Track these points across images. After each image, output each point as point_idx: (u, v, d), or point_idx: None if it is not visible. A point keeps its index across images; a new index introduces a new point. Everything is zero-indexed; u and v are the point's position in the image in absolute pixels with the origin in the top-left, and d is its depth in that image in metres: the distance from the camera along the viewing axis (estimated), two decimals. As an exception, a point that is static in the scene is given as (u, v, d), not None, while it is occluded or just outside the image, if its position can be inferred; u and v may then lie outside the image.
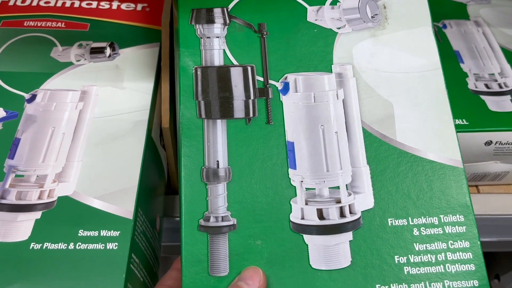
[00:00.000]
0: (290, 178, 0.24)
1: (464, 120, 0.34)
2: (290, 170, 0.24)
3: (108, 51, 0.33)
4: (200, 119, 0.25)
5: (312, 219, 0.23)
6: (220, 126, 0.25)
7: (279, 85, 0.26)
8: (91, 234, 0.24)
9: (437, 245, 0.23)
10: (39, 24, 0.35)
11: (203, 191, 0.24)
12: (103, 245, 0.24)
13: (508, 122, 0.34)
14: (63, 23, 0.35)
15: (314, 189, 0.24)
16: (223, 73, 0.26)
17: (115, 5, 0.37)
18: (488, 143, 0.34)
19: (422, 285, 0.22)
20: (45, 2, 0.36)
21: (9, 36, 0.34)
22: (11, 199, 0.25)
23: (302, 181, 0.24)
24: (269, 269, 0.22)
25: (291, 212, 0.24)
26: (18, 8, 0.36)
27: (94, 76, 0.32)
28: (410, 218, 0.24)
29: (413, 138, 0.25)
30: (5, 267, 0.23)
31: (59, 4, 0.36)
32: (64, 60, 0.32)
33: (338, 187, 0.24)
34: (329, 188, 0.24)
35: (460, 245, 0.23)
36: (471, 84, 0.36)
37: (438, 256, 0.23)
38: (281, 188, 0.24)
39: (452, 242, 0.23)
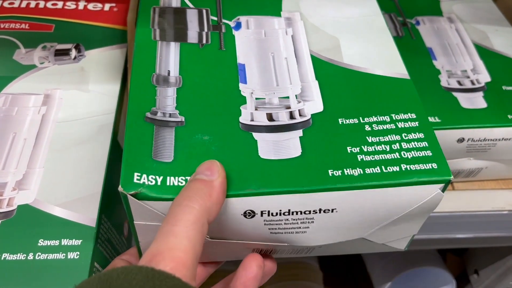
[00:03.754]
0: (240, 91, 0.25)
1: (436, 117, 0.33)
2: (241, 85, 0.25)
3: (73, 53, 0.32)
4: (154, 41, 0.27)
5: (262, 121, 0.24)
6: (174, 46, 0.27)
7: (232, 23, 0.28)
8: (52, 244, 0.24)
9: (391, 137, 0.23)
10: (2, 26, 0.34)
11: (152, 92, 0.24)
12: (64, 254, 0.23)
13: (480, 119, 0.34)
14: (27, 25, 0.34)
15: (264, 99, 0.25)
16: (180, 12, 0.28)
17: (81, 5, 0.36)
18: (461, 140, 0.34)
19: (377, 169, 0.21)
20: (9, 3, 0.35)
21: (-29, 38, 0.33)
22: (-31, 208, 0.24)
23: (252, 93, 0.25)
24: (215, 159, 0.22)
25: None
26: (-20, 9, 0.35)
27: (58, 79, 0.31)
28: (361, 118, 0.24)
29: (359, 60, 0.27)
30: (-40, 279, 0.22)
31: (23, 4, 0.35)
32: (27, 63, 0.31)
33: (287, 98, 0.25)
34: (279, 98, 0.25)
35: (415, 136, 0.23)
36: (444, 81, 0.36)
37: (393, 145, 0.23)
38: (232, 97, 0.25)
39: (405, 134, 0.23)
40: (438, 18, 0.41)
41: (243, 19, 0.29)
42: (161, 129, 0.23)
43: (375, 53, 0.27)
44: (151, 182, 0.20)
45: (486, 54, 0.38)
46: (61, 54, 0.32)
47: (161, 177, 0.21)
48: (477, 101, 0.35)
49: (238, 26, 0.28)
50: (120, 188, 0.20)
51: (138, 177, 0.21)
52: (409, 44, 0.38)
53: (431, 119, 0.33)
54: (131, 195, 0.20)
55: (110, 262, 0.26)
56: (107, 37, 0.34)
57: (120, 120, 0.30)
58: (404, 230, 0.25)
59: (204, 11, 0.29)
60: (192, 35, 0.27)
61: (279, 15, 0.29)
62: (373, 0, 0.31)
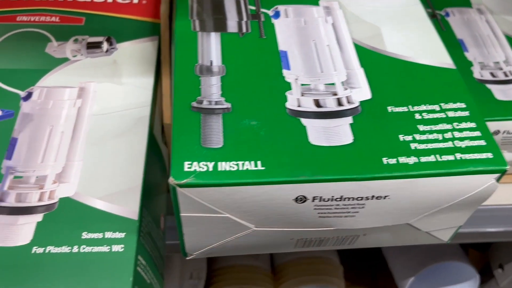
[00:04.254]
0: (284, 77, 0.25)
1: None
2: (284, 71, 0.25)
3: (105, 45, 0.32)
4: (194, 32, 0.26)
5: (309, 107, 0.23)
6: (214, 36, 0.26)
7: (271, 12, 0.28)
8: (96, 236, 0.23)
9: (442, 126, 0.23)
10: (32, 19, 0.33)
11: (196, 82, 0.24)
12: (109, 247, 0.23)
13: (516, 110, 0.33)
14: (58, 18, 0.34)
15: (309, 85, 0.25)
16: (217, 3, 0.28)
17: (110, -2, 0.36)
18: (496, 132, 0.33)
19: (432, 158, 0.21)
20: (38, -4, 0.35)
21: (1, 32, 0.32)
22: (11, 201, 0.24)
23: (296, 79, 0.24)
24: (265, 144, 0.21)
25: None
26: (9, 2, 0.34)
27: (92, 72, 0.30)
28: (410, 106, 0.24)
29: (403, 49, 0.27)
30: (6, 273, 0.22)
31: (52, -3, 0.35)
32: (60, 56, 0.31)
33: (333, 84, 0.25)
34: (325, 84, 0.25)
35: (466, 125, 0.23)
36: (476, 73, 0.35)
37: (445, 134, 0.22)
38: (277, 82, 0.24)
39: (457, 123, 0.23)
40: (467, 10, 0.40)
41: (281, 8, 0.28)
42: (208, 116, 0.22)
43: (418, 42, 0.27)
44: (203, 168, 0.20)
45: (518, 45, 0.37)
46: (93, 47, 0.32)
47: (212, 163, 0.21)
48: (511, 93, 0.35)
49: (276, 15, 0.28)
50: (171, 180, 0.20)
51: (189, 165, 0.20)
52: (440, 36, 0.37)
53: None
54: (183, 184, 0.20)
55: (151, 256, 0.26)
56: (138, 29, 0.33)
57: (155, 114, 0.30)
58: (452, 220, 0.24)
59: (241, 1, 0.28)
60: (232, 25, 0.27)
61: (317, 4, 0.29)
62: None
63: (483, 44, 0.38)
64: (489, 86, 0.35)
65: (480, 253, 0.58)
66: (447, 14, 0.40)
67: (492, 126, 0.33)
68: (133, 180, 0.26)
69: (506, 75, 0.36)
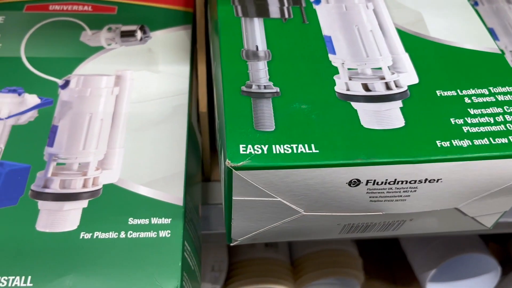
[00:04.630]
0: (331, 61, 0.25)
1: None
2: (330, 55, 0.25)
3: (139, 34, 0.32)
4: (237, 18, 0.26)
5: (359, 91, 0.23)
6: (257, 22, 0.26)
7: None
8: (142, 222, 0.23)
9: (493, 110, 0.23)
10: (65, 8, 0.33)
11: (244, 66, 0.24)
12: (155, 233, 0.23)
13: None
14: (90, 7, 0.33)
15: (356, 69, 0.24)
16: None
17: (140, -13, 0.35)
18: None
19: (486, 141, 0.21)
20: (68, -15, 0.35)
21: (35, 20, 0.32)
22: (55, 187, 0.24)
23: (343, 63, 0.24)
24: (317, 127, 0.21)
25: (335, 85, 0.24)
26: (41, -9, 0.34)
27: (127, 60, 0.30)
28: (459, 90, 0.23)
29: (446, 34, 0.27)
30: (57, 257, 0.22)
31: (82, -13, 0.35)
32: (95, 45, 0.31)
33: (380, 69, 0.24)
34: (371, 69, 0.25)
35: None
36: (510, 61, 0.35)
37: (496, 118, 0.22)
38: (323, 67, 0.24)
39: (507, 107, 0.23)
40: (496, -1, 0.40)
41: None
42: (259, 100, 0.22)
43: (461, 28, 0.27)
44: (258, 151, 0.20)
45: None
46: (127, 35, 0.32)
47: (267, 146, 0.20)
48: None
49: (317, 0, 0.28)
50: (227, 163, 0.20)
51: (244, 148, 0.20)
52: None
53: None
54: (240, 166, 0.20)
55: (194, 242, 0.26)
56: (170, 18, 0.33)
57: (192, 102, 0.30)
58: (499, 205, 0.24)
59: None
60: (274, 10, 0.27)
61: None
62: None
63: (514, 33, 0.37)
64: (522, 74, 0.35)
65: (500, 246, 0.57)
66: (476, 3, 0.40)
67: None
68: (176, 167, 0.26)
69: (538, 63, 0.35)
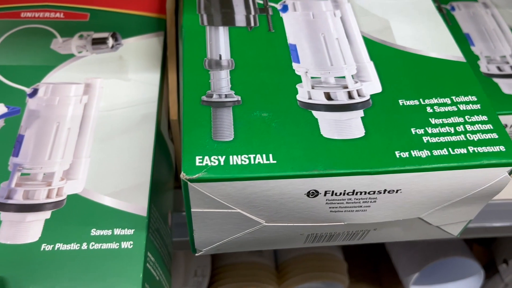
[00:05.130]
0: (294, 70, 0.25)
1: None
2: (294, 64, 0.25)
3: (110, 41, 0.32)
4: (202, 26, 0.26)
5: (320, 100, 0.23)
6: (222, 30, 0.26)
7: (279, 6, 0.28)
8: (104, 233, 0.23)
9: (454, 119, 0.23)
10: (36, 15, 0.33)
11: (206, 76, 0.24)
12: (118, 244, 0.23)
13: (522, 105, 0.33)
14: (62, 14, 0.33)
15: (319, 78, 0.24)
16: None
17: (114, -7, 0.35)
18: (504, 126, 0.33)
19: (445, 151, 0.21)
20: (41, -8, 0.35)
21: (6, 28, 0.32)
22: (18, 198, 0.24)
23: (306, 72, 0.24)
24: (277, 136, 0.21)
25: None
26: (13, -2, 0.34)
27: (98, 68, 0.30)
28: (421, 99, 0.23)
29: (412, 42, 0.27)
30: (17, 270, 0.22)
31: (56, -7, 0.35)
32: (65, 52, 0.31)
33: (343, 77, 0.24)
34: (335, 77, 0.25)
35: (478, 118, 0.23)
36: (483, 67, 0.35)
37: (457, 127, 0.22)
38: (287, 75, 0.24)
39: (468, 116, 0.23)
40: (473, 4, 0.40)
41: (289, 1, 0.28)
42: (219, 109, 0.22)
43: (428, 35, 0.27)
44: (214, 162, 0.20)
45: (525, 39, 0.37)
46: (98, 42, 0.32)
47: (224, 157, 0.20)
48: (518, 87, 0.34)
49: (284, 8, 0.28)
50: (182, 175, 0.20)
51: (200, 160, 0.20)
52: None
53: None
54: (195, 179, 0.20)
55: (160, 252, 0.26)
56: (143, 25, 0.33)
57: (162, 110, 0.30)
58: (463, 214, 0.24)
59: None
60: (240, 19, 0.27)
61: None
62: None
63: (489, 38, 0.37)
64: (496, 80, 0.35)
65: (484, 248, 0.57)
66: (453, 8, 0.40)
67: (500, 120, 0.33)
68: (141, 177, 0.25)
69: (513, 69, 0.35)
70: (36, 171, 0.25)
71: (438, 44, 0.26)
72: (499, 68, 0.35)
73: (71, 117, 0.27)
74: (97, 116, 0.28)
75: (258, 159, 0.20)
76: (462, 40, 0.37)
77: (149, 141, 0.27)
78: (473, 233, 0.42)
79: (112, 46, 0.31)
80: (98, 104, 0.28)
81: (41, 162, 0.25)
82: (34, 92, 0.28)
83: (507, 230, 0.42)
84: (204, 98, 0.23)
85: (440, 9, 0.39)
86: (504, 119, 0.33)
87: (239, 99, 0.23)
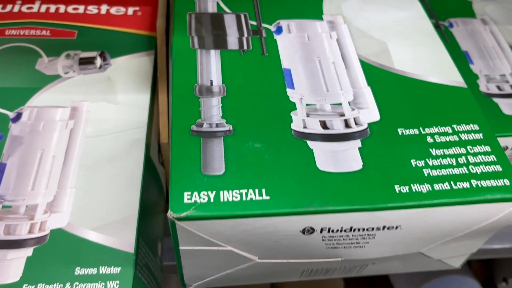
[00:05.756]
0: (289, 96, 0.23)
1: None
2: (288, 90, 0.24)
3: (98, 61, 0.30)
4: (193, 49, 0.25)
5: (316, 129, 0.22)
6: (214, 54, 0.25)
7: (273, 28, 0.27)
8: (89, 272, 0.22)
9: (456, 150, 0.22)
10: (21, 33, 0.32)
11: (196, 103, 0.23)
12: (103, 284, 0.22)
13: (523, 125, 0.32)
14: (48, 31, 0.32)
15: (315, 105, 0.23)
16: (217, 17, 0.27)
17: (103, 9, 0.34)
18: (504, 148, 0.32)
19: (446, 185, 0.20)
20: (28, 8, 0.34)
21: (-11, 47, 0.31)
22: (-2, 233, 0.23)
23: (301, 98, 0.23)
24: (270, 169, 0.20)
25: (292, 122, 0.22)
26: (-3, 16, 0.33)
27: (85, 90, 0.29)
28: (421, 128, 0.22)
29: (411, 66, 0.25)
30: (-6, 313, 0.20)
31: (43, 9, 0.34)
32: (51, 73, 0.30)
33: (340, 104, 0.23)
34: (331, 104, 0.23)
35: (481, 149, 0.22)
36: (483, 86, 0.34)
37: (459, 159, 0.21)
38: (281, 102, 0.23)
39: (471, 147, 0.22)
40: (471, 20, 0.39)
41: (283, 23, 0.27)
42: (209, 140, 0.21)
43: (427, 59, 0.26)
44: (204, 199, 0.19)
45: (525, 57, 0.37)
46: (86, 62, 0.30)
47: (214, 192, 0.19)
48: (518, 107, 0.34)
49: (279, 30, 0.27)
50: (169, 214, 0.18)
51: (189, 196, 0.19)
52: (420, 4, 0.36)
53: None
54: (183, 217, 0.18)
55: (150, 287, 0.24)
56: (133, 43, 0.32)
57: (151, 134, 0.28)
58: (465, 247, 0.23)
59: (242, 16, 0.27)
60: (232, 41, 0.26)
61: (321, 19, 0.28)
62: (417, 3, 0.30)
63: (489, 56, 0.37)
64: (496, 100, 0.34)
65: (483, 264, 0.57)
66: (451, 25, 0.39)
67: (500, 142, 0.32)
68: (129, 208, 0.24)
69: (512, 88, 0.35)
70: (19, 203, 0.24)
71: (437, 68, 0.25)
72: (498, 88, 0.35)
73: (56, 143, 0.26)
74: (83, 143, 0.26)
75: (251, 194, 0.19)
76: (461, 58, 0.36)
77: (138, 170, 0.26)
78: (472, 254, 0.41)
79: (100, 66, 0.30)
80: (85, 130, 0.27)
81: (23, 193, 0.24)
82: (18, 117, 0.27)
83: (507, 252, 0.41)
84: (193, 127, 0.22)
85: (438, 26, 0.38)
86: (504, 141, 0.32)
87: (231, 128, 0.22)
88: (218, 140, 0.21)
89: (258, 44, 0.26)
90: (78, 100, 0.28)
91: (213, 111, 0.22)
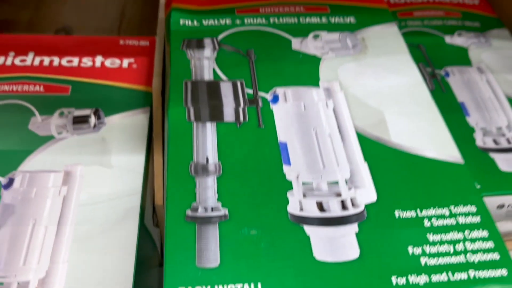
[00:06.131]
0: (285, 174, 0.23)
1: (475, 183, 0.32)
2: (285, 166, 0.24)
3: (92, 120, 0.30)
4: (189, 122, 0.25)
5: (312, 211, 0.22)
6: (210, 128, 0.25)
7: (269, 96, 0.27)
8: None
9: (453, 235, 0.21)
10: (14, 89, 0.31)
11: (191, 184, 0.22)
12: None
13: (521, 183, 0.32)
14: (42, 86, 0.32)
15: (311, 183, 0.23)
16: (213, 86, 0.27)
17: (98, 61, 0.34)
18: (501, 206, 0.32)
19: (444, 276, 0.20)
20: (21, 61, 0.33)
21: (-19, 105, 0.30)
22: (-11, 315, 0.22)
23: (297, 176, 0.23)
24: (266, 259, 0.20)
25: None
26: (-11, 70, 0.32)
27: (79, 151, 0.29)
28: (418, 210, 0.22)
29: (408, 139, 0.25)
30: None
31: (36, 62, 0.33)
32: (44, 133, 0.29)
33: (336, 182, 0.23)
34: (327, 182, 0.23)
35: (478, 234, 0.22)
36: (479, 140, 0.34)
37: (456, 246, 0.21)
38: (277, 181, 0.23)
39: (469, 231, 0.22)
40: (467, 69, 0.39)
41: (280, 91, 0.27)
42: (204, 227, 0.21)
43: (424, 130, 0.26)
44: None
45: (521, 109, 0.37)
46: (79, 121, 0.30)
47: (209, 287, 0.19)
48: (514, 162, 0.34)
49: (275, 99, 0.26)
50: None
51: None
52: (441, 99, 0.36)
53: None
54: None
55: None
56: (128, 100, 0.32)
57: (146, 198, 0.28)
58: None
59: (238, 83, 0.27)
60: (229, 112, 0.25)
61: (317, 85, 0.27)
62: (413, 66, 0.30)
63: (485, 107, 0.37)
64: (492, 155, 0.34)
65: None
66: (447, 74, 0.39)
67: (497, 200, 0.32)
68: (122, 284, 0.24)
69: (509, 142, 0.35)
70: (10, 280, 0.23)
71: (434, 141, 0.25)
72: (495, 142, 0.35)
73: (48, 213, 0.26)
74: (77, 212, 0.26)
75: None
76: (457, 109, 0.36)
77: (132, 241, 0.25)
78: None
79: (95, 126, 0.30)
80: (78, 197, 0.27)
81: (15, 269, 0.24)
82: (10, 183, 0.27)
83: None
84: (188, 213, 0.21)
85: (434, 75, 0.38)
86: (501, 199, 0.32)
87: (226, 213, 0.21)
88: (213, 227, 0.21)
89: (254, 115, 0.26)
90: (71, 164, 0.28)
91: (208, 193, 0.22)
